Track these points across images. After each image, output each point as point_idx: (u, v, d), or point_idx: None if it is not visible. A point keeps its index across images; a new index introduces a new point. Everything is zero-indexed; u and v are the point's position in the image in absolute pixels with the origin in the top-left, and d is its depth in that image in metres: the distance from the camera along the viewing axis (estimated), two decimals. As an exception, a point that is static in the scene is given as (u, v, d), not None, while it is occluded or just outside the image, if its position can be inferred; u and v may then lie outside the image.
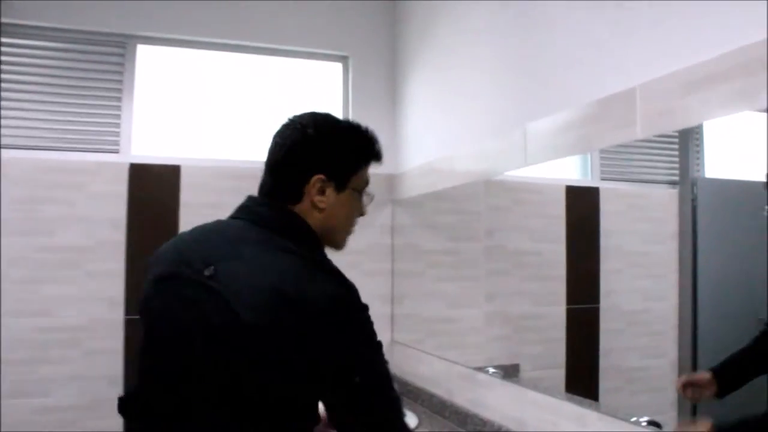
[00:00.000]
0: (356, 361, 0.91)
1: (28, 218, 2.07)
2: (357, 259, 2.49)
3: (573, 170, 1.63)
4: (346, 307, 0.91)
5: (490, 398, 1.68)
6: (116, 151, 2.20)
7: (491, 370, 1.75)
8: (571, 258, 1.63)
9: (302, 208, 1.01)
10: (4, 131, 2.08)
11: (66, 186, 2.10)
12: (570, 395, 1.46)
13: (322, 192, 1.01)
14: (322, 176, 1.00)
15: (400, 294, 2.37)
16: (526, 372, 1.74)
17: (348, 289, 0.93)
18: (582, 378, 1.54)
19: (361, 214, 1.08)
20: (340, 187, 1.02)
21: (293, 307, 0.87)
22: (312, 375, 0.89)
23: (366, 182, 1.07)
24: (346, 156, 1.04)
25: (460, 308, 2.03)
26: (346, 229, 1.07)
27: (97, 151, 2.18)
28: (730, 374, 1.12)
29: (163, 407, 0.93)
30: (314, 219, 1.01)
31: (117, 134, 2.20)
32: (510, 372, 1.76)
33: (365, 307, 0.94)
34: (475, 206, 1.96)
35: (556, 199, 1.71)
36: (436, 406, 1.98)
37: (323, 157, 1.01)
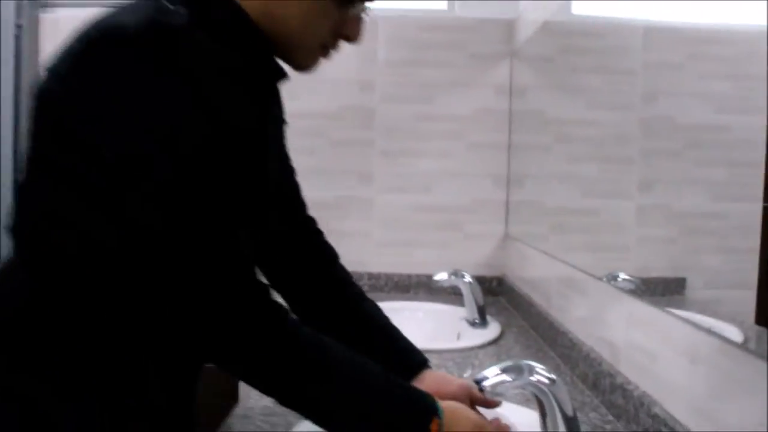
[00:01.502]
0: (99, 126, 0.64)
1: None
2: (461, 127, 2.16)
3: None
4: (115, 40, 0.64)
5: (601, 314, 1.39)
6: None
7: (622, 276, 1.42)
8: (775, 134, 1.20)
9: None
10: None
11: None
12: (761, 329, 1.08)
13: None
14: None
15: (519, 175, 2.01)
16: (695, 290, 1.36)
17: (150, 22, 0.65)
18: (782, 306, 1.16)
19: (345, 35, 0.81)
20: None
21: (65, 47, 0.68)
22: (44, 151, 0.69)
23: None
24: None
25: (601, 198, 1.66)
26: (306, 37, 0.80)
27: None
28: None
29: None
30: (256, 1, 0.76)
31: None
32: (672, 288, 1.39)
33: (173, 51, 0.65)
34: (627, 62, 1.56)
35: (753, 53, 1.25)
36: (533, 319, 1.75)
37: None
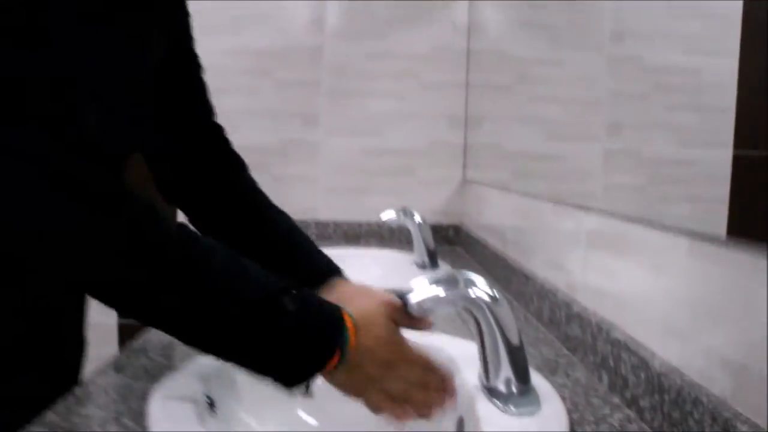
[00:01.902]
0: None
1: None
2: (416, 66, 2.09)
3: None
4: None
5: (559, 241, 1.32)
6: None
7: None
8: (747, 80, 1.16)
9: None
10: None
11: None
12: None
13: None
14: None
15: (477, 116, 1.95)
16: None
17: None
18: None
19: None
20: None
21: None
22: None
23: None
24: None
25: (566, 141, 1.62)
26: None
27: None
28: None
29: None
30: None
31: None
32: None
33: None
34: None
35: (727, -9, 1.21)
36: (488, 262, 1.70)
37: None
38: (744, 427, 0.55)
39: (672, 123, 1.31)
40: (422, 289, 0.73)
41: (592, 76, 1.50)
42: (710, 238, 0.75)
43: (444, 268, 1.72)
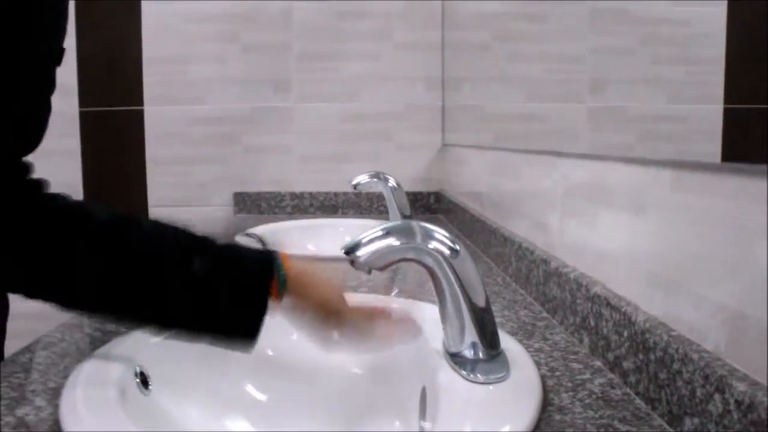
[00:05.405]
0: None
1: None
2: (389, 25, 2.05)
3: None
4: None
5: (535, 192, 1.26)
6: None
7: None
8: (736, 29, 1.14)
9: None
10: None
11: None
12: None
13: None
14: None
15: (455, 78, 1.90)
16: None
17: None
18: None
19: None
20: None
21: None
22: None
23: None
24: None
25: (548, 101, 1.59)
26: None
27: None
28: None
29: None
30: None
31: None
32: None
33: None
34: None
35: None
36: (467, 227, 1.67)
37: None
38: (741, 385, 0.49)
39: (658, 76, 1.28)
40: (372, 240, 0.66)
41: (575, 31, 1.46)
42: (695, 166, 0.66)
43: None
